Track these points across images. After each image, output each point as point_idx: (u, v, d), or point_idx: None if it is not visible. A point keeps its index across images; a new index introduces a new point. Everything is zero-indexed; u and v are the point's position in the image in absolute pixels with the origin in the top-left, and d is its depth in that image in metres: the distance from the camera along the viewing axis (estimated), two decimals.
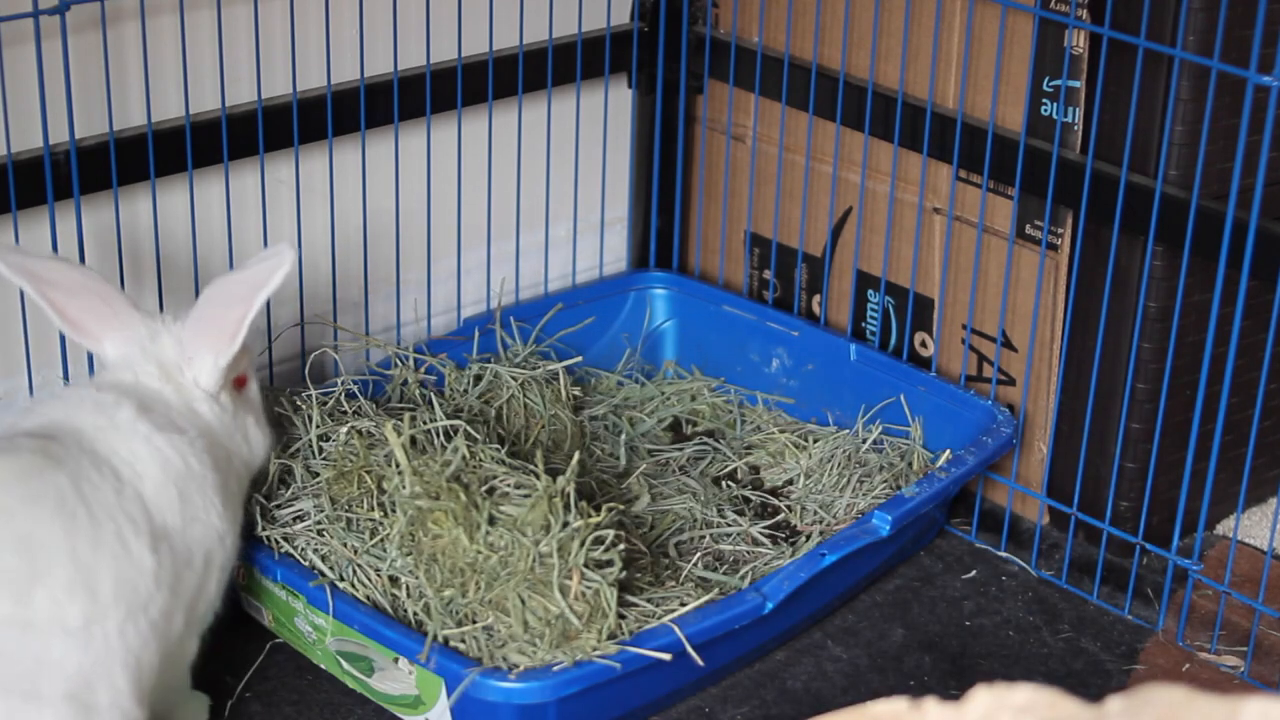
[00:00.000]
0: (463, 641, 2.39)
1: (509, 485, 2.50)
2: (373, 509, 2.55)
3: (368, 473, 2.57)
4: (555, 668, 2.32)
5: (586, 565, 2.38)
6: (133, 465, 2.27)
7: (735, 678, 2.66)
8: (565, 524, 2.40)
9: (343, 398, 2.81)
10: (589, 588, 2.36)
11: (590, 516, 2.43)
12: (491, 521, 2.43)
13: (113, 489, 2.22)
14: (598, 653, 2.33)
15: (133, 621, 2.18)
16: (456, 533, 2.42)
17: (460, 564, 2.41)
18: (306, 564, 2.53)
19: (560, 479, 2.45)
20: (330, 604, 2.45)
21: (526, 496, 2.46)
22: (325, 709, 2.56)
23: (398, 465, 2.51)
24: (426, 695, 2.42)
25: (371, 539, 2.52)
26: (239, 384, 2.52)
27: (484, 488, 2.49)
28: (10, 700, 2.08)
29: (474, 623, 2.39)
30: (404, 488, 2.48)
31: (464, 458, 2.53)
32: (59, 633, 2.11)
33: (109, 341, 2.43)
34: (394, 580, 2.49)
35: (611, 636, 2.36)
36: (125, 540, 2.20)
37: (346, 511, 2.56)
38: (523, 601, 2.36)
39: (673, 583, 2.61)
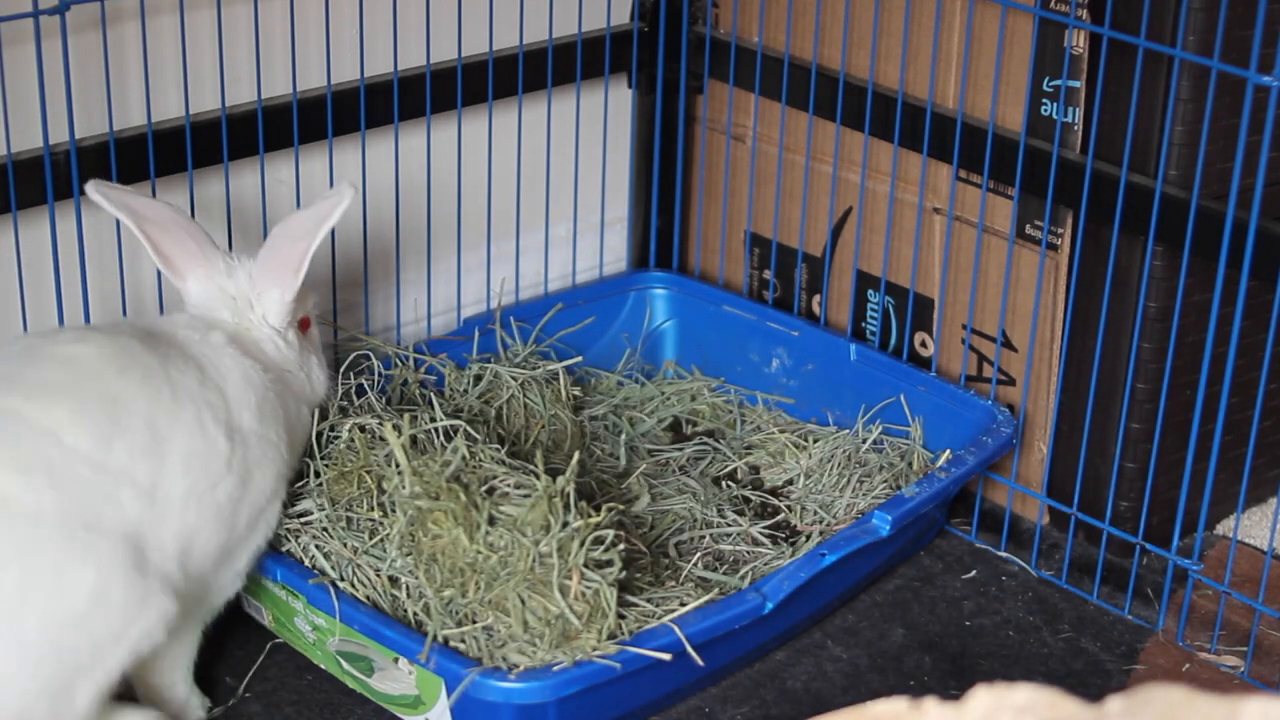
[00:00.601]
0: (462, 642, 2.39)
1: (509, 485, 2.50)
2: (373, 509, 2.55)
3: (368, 473, 2.57)
4: (555, 668, 2.32)
5: (586, 565, 2.38)
6: (218, 369, 2.42)
7: (735, 678, 2.66)
8: (565, 524, 2.40)
9: (352, 393, 2.81)
10: (589, 588, 2.36)
11: (590, 516, 2.42)
12: (491, 521, 2.43)
13: (196, 379, 2.37)
14: (598, 653, 2.33)
15: (196, 498, 2.32)
16: (456, 533, 2.42)
17: (460, 564, 2.41)
18: (307, 564, 2.53)
19: (560, 479, 2.45)
20: (335, 605, 2.45)
21: (526, 496, 2.46)
22: (325, 709, 2.56)
23: (398, 465, 2.51)
24: (426, 695, 2.42)
25: (372, 539, 2.52)
26: (303, 325, 2.66)
27: (484, 488, 2.49)
28: (73, 525, 2.19)
29: (474, 623, 2.39)
30: (404, 488, 2.48)
31: (464, 458, 2.53)
32: (128, 483, 2.25)
33: (192, 278, 2.57)
34: (394, 580, 2.49)
35: (611, 636, 2.36)
36: (203, 423, 2.34)
37: (347, 512, 2.56)
38: (523, 601, 2.36)
39: (673, 583, 2.61)
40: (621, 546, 2.42)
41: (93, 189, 2.51)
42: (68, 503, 2.20)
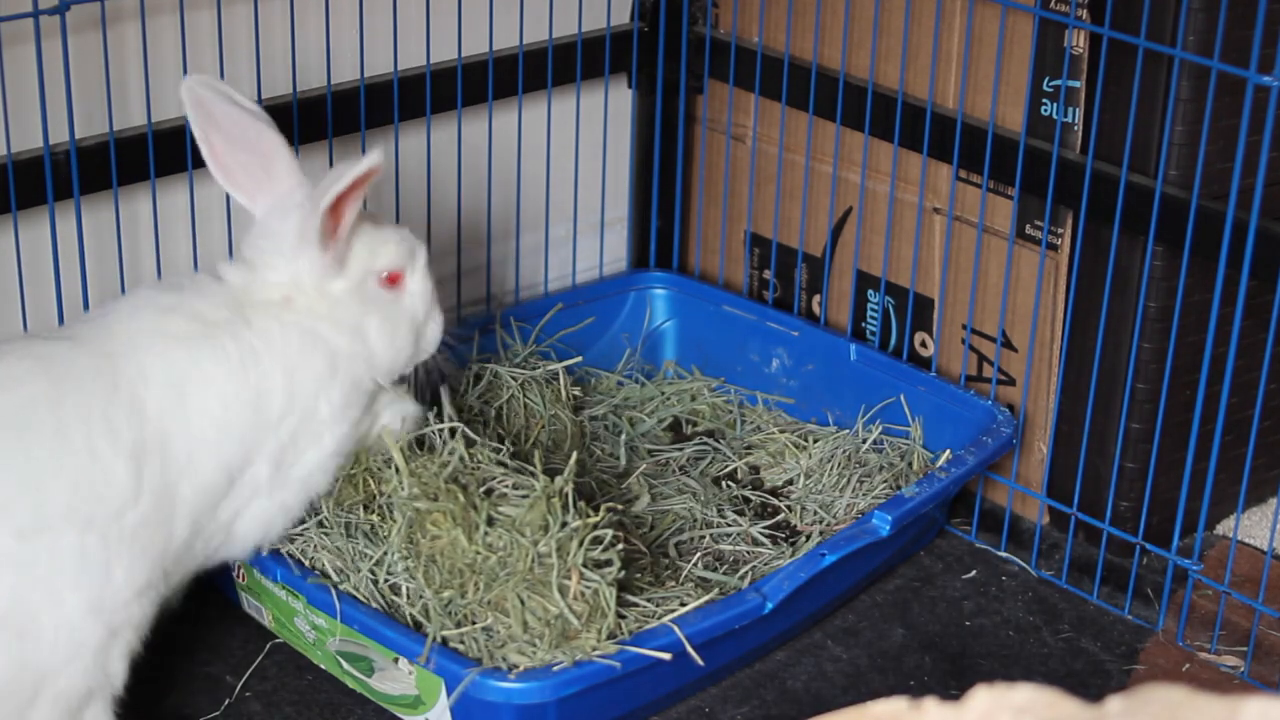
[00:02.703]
0: (462, 642, 2.39)
1: (507, 486, 2.50)
2: (373, 512, 2.55)
3: (370, 475, 2.57)
4: (555, 668, 2.32)
5: (585, 565, 2.38)
6: (169, 363, 2.30)
7: (735, 678, 2.66)
8: (564, 524, 2.40)
9: None
10: (588, 587, 2.36)
11: (589, 516, 2.42)
12: (490, 522, 2.43)
13: (103, 396, 2.22)
14: (597, 653, 2.33)
15: (98, 535, 2.18)
16: (455, 534, 2.41)
17: (459, 564, 2.41)
18: (307, 565, 2.53)
19: (558, 479, 2.45)
20: (336, 605, 2.45)
21: (525, 497, 2.46)
22: (325, 709, 2.56)
23: (396, 467, 2.51)
24: (426, 695, 2.42)
25: (371, 541, 2.52)
26: (391, 280, 2.49)
27: (482, 489, 2.49)
28: None
29: (473, 623, 2.39)
30: (402, 489, 2.48)
31: (461, 459, 2.53)
32: None
33: (260, 201, 2.44)
34: (393, 586, 2.49)
35: (611, 636, 2.36)
36: (95, 451, 2.19)
37: (346, 514, 2.56)
38: (522, 602, 2.36)
39: (673, 583, 2.61)
40: (620, 546, 2.42)
41: (189, 87, 2.39)
42: None
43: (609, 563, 2.40)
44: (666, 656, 2.37)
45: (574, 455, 2.58)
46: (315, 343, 2.42)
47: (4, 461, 2.16)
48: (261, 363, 2.37)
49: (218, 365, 2.34)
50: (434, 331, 2.58)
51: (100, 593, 2.19)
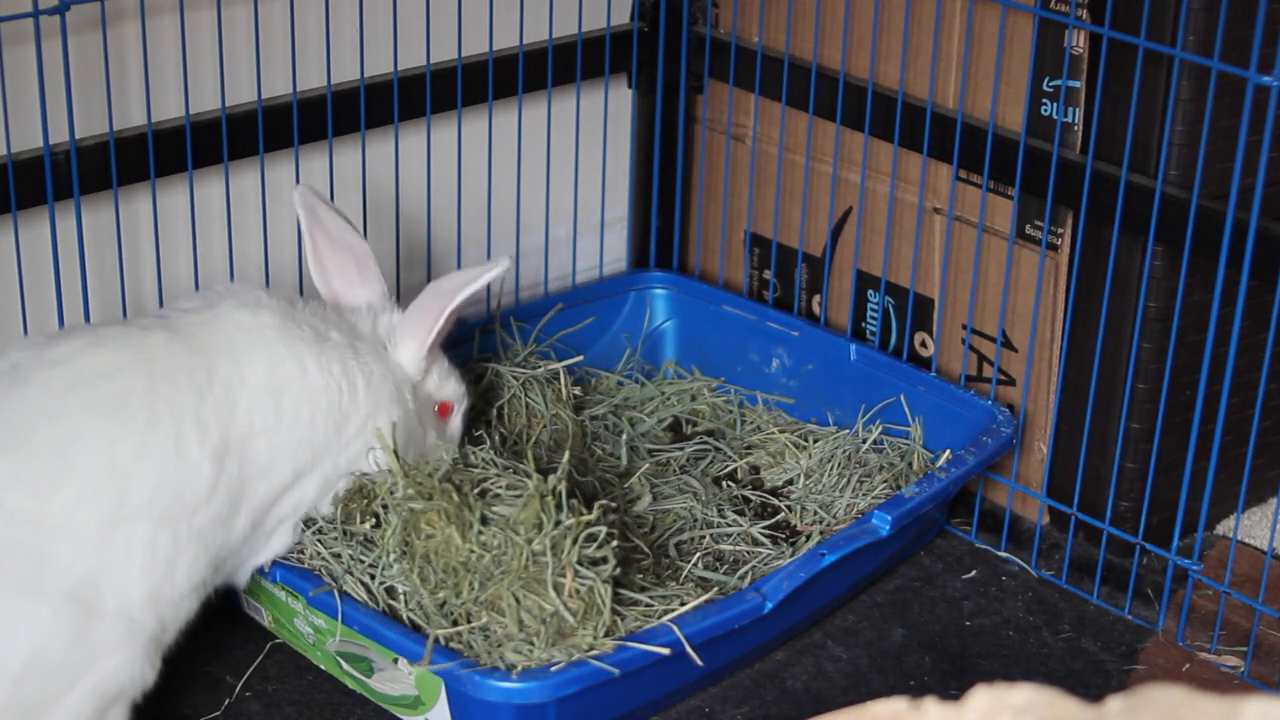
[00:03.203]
0: (459, 641, 2.39)
1: (501, 486, 2.50)
2: (367, 518, 2.54)
3: (366, 477, 2.57)
4: (554, 667, 2.32)
5: (580, 562, 2.38)
6: (245, 367, 2.38)
7: (735, 678, 2.66)
8: (558, 522, 2.40)
9: None
10: (583, 584, 2.36)
11: (583, 515, 2.42)
12: (484, 521, 2.43)
13: (194, 395, 2.31)
14: (594, 651, 2.33)
15: (169, 528, 2.27)
16: (449, 532, 2.41)
17: (454, 563, 2.41)
18: (306, 566, 2.52)
19: (551, 478, 2.45)
20: (338, 606, 2.45)
21: (518, 496, 2.46)
22: (325, 709, 2.56)
23: (390, 469, 2.51)
24: (426, 695, 2.42)
25: (367, 542, 2.52)
26: (443, 411, 2.68)
27: (476, 489, 2.49)
28: (8, 590, 2.17)
29: (469, 622, 2.39)
30: (396, 490, 2.48)
31: (455, 460, 2.53)
32: (70, 535, 2.19)
33: (345, 299, 2.64)
34: (390, 590, 2.48)
35: (608, 635, 2.36)
36: (182, 448, 2.28)
37: (345, 519, 2.55)
38: (517, 600, 2.35)
39: (673, 582, 2.61)
40: (616, 544, 2.42)
41: (300, 194, 2.61)
42: (3, 565, 2.16)
43: (604, 560, 2.40)
44: (665, 651, 2.37)
45: (566, 454, 2.58)
46: (401, 402, 2.55)
47: (96, 448, 2.23)
48: (357, 392, 2.47)
49: (321, 377, 2.43)
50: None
51: (161, 586, 2.27)
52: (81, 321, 2.72)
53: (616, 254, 3.50)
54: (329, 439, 2.45)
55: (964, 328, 3.06)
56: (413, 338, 2.59)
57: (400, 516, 2.46)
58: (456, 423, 2.71)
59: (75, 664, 2.21)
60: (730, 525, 2.81)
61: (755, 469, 3.03)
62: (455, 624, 2.40)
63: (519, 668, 2.33)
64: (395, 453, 2.50)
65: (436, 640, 2.37)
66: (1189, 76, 2.61)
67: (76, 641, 2.20)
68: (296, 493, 2.46)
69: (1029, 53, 2.81)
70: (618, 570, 2.41)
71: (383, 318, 2.61)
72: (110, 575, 2.22)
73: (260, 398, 2.37)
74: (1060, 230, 2.87)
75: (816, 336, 3.18)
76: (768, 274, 3.34)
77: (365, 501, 2.52)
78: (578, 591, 2.36)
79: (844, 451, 3.01)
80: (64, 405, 2.24)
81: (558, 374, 3.09)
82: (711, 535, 2.79)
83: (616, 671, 2.33)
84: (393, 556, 2.46)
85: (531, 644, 2.35)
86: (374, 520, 2.52)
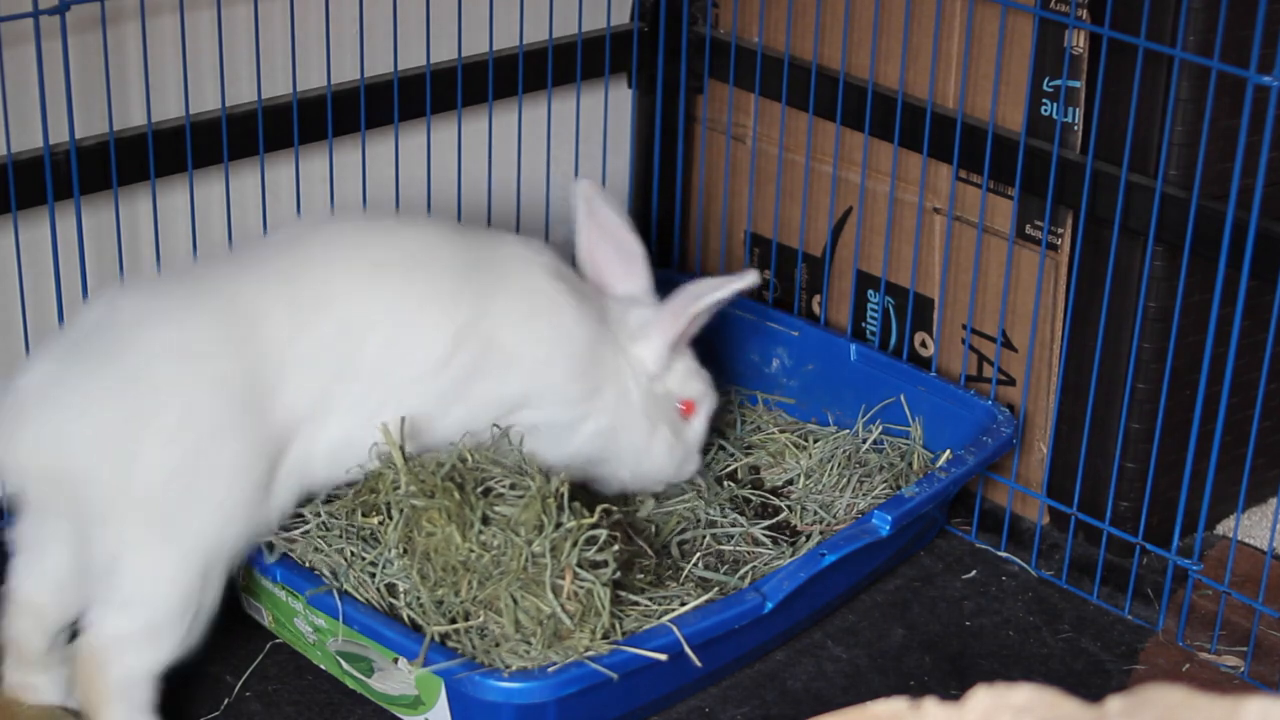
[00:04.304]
0: (455, 639, 2.39)
1: (504, 486, 2.50)
2: (370, 515, 2.54)
3: (369, 475, 2.57)
4: (554, 667, 2.32)
5: (580, 565, 2.38)
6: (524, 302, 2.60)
7: (735, 678, 2.66)
8: (558, 524, 2.40)
9: None
10: (581, 587, 2.36)
11: (584, 518, 2.42)
12: (485, 521, 2.43)
13: (471, 301, 2.55)
14: (590, 653, 2.33)
15: (389, 393, 2.52)
16: (450, 530, 2.41)
17: (453, 562, 2.41)
18: (306, 565, 2.52)
19: (554, 480, 2.45)
20: (339, 606, 2.45)
21: (521, 497, 2.46)
22: (325, 709, 2.56)
23: (394, 464, 2.51)
24: (426, 695, 2.42)
25: (371, 538, 2.52)
26: (687, 409, 2.80)
27: (480, 489, 2.49)
28: (236, 405, 2.38)
29: (466, 619, 2.39)
30: (399, 487, 2.48)
31: (461, 458, 2.53)
32: (303, 377, 2.44)
33: (610, 292, 2.79)
34: (390, 588, 2.48)
35: (606, 636, 2.36)
36: (430, 326, 2.52)
37: (347, 519, 2.55)
38: (515, 601, 2.35)
39: (674, 583, 2.60)
40: (617, 547, 2.42)
41: (581, 185, 2.80)
42: (243, 378, 2.35)
43: (604, 563, 2.40)
44: (661, 657, 2.37)
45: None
46: (626, 402, 2.70)
47: (331, 316, 2.43)
48: (599, 357, 2.65)
49: (563, 334, 2.61)
50: (692, 467, 2.85)
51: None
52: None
53: None
54: (554, 379, 2.60)
55: (964, 328, 3.06)
56: (659, 334, 2.71)
57: (402, 512, 2.46)
58: (699, 423, 2.82)
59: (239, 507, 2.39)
60: (732, 525, 2.81)
61: (755, 469, 3.03)
62: (453, 622, 2.40)
63: (514, 667, 2.33)
64: (401, 448, 2.50)
65: (435, 639, 2.37)
66: (1189, 76, 2.61)
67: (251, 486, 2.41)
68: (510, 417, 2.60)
69: (1029, 53, 2.81)
70: (617, 574, 2.41)
71: (635, 311, 2.74)
72: (306, 435, 2.43)
73: (510, 330, 2.55)
74: (1060, 230, 2.87)
75: (816, 336, 3.18)
76: (768, 274, 3.34)
77: (372, 495, 2.52)
78: (576, 594, 2.36)
79: (844, 451, 3.01)
80: (346, 263, 2.48)
81: None
82: (713, 535, 2.79)
83: (614, 677, 2.33)
84: (393, 552, 2.46)
85: (528, 644, 2.34)
86: (380, 517, 2.52)
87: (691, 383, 2.80)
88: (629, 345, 2.72)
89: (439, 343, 2.49)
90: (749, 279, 2.72)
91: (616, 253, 2.79)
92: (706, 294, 2.71)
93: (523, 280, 2.59)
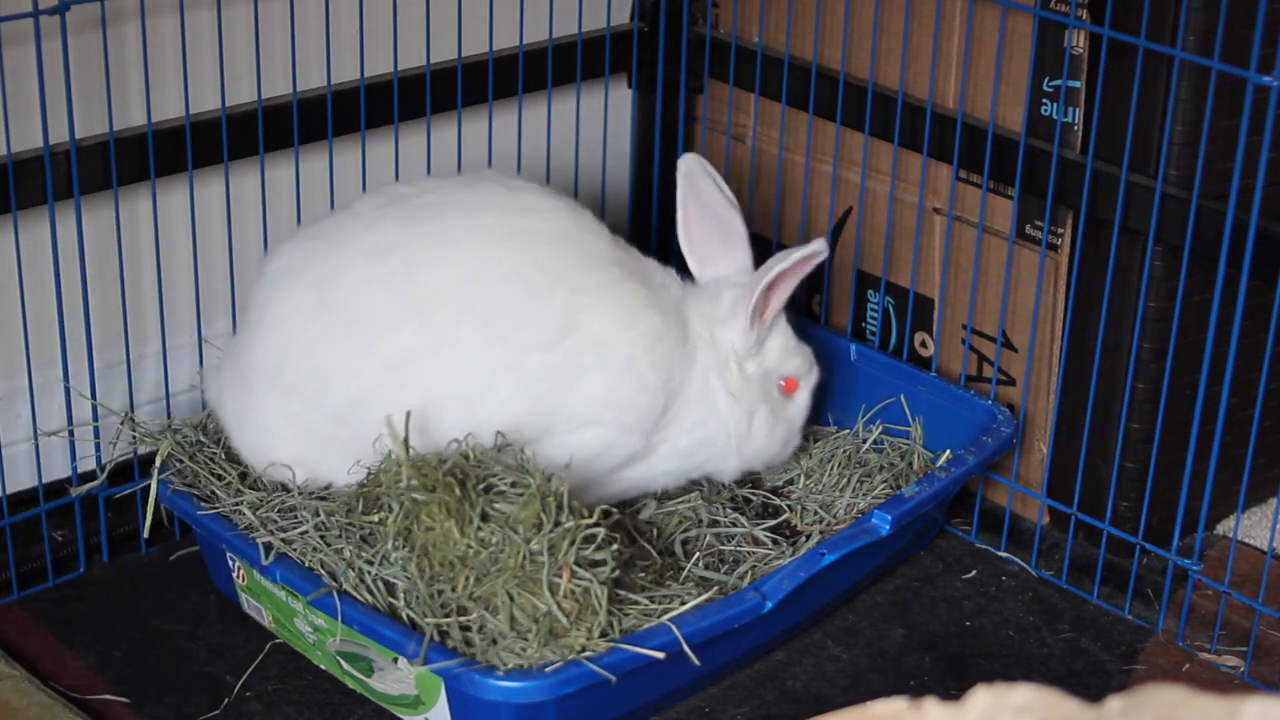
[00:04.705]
0: (455, 639, 2.39)
1: (506, 484, 2.50)
2: (370, 513, 2.54)
3: (371, 470, 2.57)
4: (552, 667, 2.32)
5: (578, 564, 2.38)
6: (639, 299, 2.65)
7: (735, 678, 2.66)
8: (557, 523, 2.40)
9: None
10: (578, 586, 2.36)
11: (583, 517, 2.42)
12: (485, 518, 2.43)
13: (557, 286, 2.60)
14: (586, 652, 2.33)
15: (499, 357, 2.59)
16: (448, 525, 2.41)
17: (450, 557, 2.40)
18: (306, 564, 2.52)
19: (554, 479, 2.45)
20: (338, 606, 2.45)
21: (521, 495, 2.46)
22: (325, 709, 2.56)
23: (395, 458, 2.51)
24: (426, 695, 2.42)
25: (369, 539, 2.52)
26: (788, 386, 2.80)
27: (481, 485, 2.49)
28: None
29: (465, 615, 2.39)
30: (400, 480, 2.48)
31: (463, 455, 2.53)
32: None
33: (708, 269, 2.80)
34: (390, 586, 2.48)
35: (603, 635, 2.35)
36: (541, 294, 2.58)
37: (346, 515, 2.55)
38: (511, 598, 2.35)
39: (674, 582, 2.60)
40: (615, 547, 2.42)
41: (685, 161, 2.79)
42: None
43: (603, 563, 2.40)
44: (659, 655, 2.36)
45: (570, 458, 2.58)
46: (705, 395, 2.69)
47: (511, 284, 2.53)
48: (672, 366, 2.64)
49: (646, 334, 2.60)
50: (795, 445, 2.86)
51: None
52: (81, 321, 2.72)
53: None
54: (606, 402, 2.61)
55: (964, 328, 3.06)
56: (741, 313, 2.70)
57: (402, 505, 2.46)
58: (801, 398, 2.82)
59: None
60: (733, 525, 2.81)
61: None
62: (448, 615, 2.39)
63: (509, 665, 2.32)
64: (405, 441, 2.49)
65: (434, 638, 2.37)
66: (1189, 76, 2.61)
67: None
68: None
69: (1029, 53, 2.81)
70: (616, 573, 2.41)
71: (727, 293, 2.73)
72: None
73: (594, 311, 2.57)
74: (1060, 230, 2.87)
75: (816, 336, 3.18)
76: None
77: (376, 489, 2.52)
78: (573, 593, 2.36)
79: (844, 451, 3.01)
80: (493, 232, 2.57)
81: None
82: (714, 535, 2.79)
83: (613, 678, 2.33)
84: (391, 545, 2.46)
85: (525, 641, 2.34)
86: (380, 514, 2.51)
87: (791, 359, 2.78)
88: (718, 330, 2.71)
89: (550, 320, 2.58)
90: (815, 247, 2.67)
91: (717, 229, 2.79)
92: (774, 266, 2.67)
93: (606, 286, 2.63)
